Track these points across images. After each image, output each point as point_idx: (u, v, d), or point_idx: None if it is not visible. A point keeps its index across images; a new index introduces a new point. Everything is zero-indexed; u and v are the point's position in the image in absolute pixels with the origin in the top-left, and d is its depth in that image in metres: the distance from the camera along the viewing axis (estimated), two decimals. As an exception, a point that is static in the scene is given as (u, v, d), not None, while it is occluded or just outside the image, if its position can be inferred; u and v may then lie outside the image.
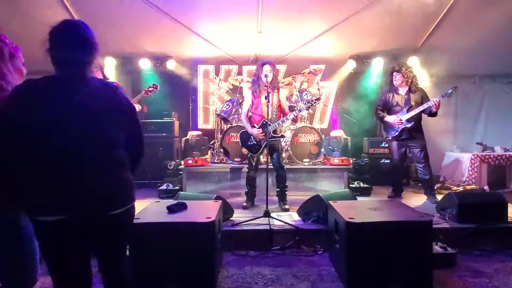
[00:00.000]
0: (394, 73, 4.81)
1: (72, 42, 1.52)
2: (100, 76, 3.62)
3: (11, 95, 1.48)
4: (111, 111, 1.57)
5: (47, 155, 1.45)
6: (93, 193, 1.49)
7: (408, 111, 4.65)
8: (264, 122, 4.20)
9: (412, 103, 4.67)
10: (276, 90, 4.34)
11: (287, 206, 4.33)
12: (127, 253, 1.80)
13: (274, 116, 4.29)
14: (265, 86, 4.12)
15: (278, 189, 4.47)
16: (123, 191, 1.60)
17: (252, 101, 4.42)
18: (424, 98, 4.70)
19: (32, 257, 1.82)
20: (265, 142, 4.15)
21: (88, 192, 1.48)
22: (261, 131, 4.27)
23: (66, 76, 1.51)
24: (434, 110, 4.51)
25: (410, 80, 4.72)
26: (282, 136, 4.57)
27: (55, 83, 1.50)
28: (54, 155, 1.45)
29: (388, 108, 4.88)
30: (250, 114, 4.46)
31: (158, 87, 4.88)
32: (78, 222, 1.48)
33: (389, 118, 4.76)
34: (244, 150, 4.80)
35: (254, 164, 4.48)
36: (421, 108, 4.56)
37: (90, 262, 1.64)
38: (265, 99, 3.98)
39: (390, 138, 4.86)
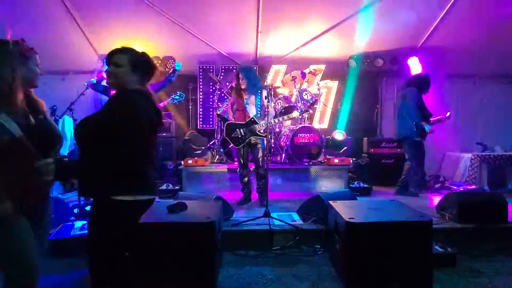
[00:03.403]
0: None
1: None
2: None
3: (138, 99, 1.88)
4: None
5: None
6: None
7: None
8: (252, 120, 4.40)
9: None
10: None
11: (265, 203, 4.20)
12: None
13: (259, 115, 4.54)
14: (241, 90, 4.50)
15: (257, 187, 4.56)
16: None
17: (233, 101, 4.66)
18: None
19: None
20: (249, 138, 4.39)
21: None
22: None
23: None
24: None
25: None
26: (265, 136, 4.57)
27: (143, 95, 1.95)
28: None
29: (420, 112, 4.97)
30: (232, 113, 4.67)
31: (184, 96, 5.43)
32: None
33: (428, 128, 4.87)
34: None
35: (242, 162, 4.54)
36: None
37: None
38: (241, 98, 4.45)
39: (421, 140, 4.98)
